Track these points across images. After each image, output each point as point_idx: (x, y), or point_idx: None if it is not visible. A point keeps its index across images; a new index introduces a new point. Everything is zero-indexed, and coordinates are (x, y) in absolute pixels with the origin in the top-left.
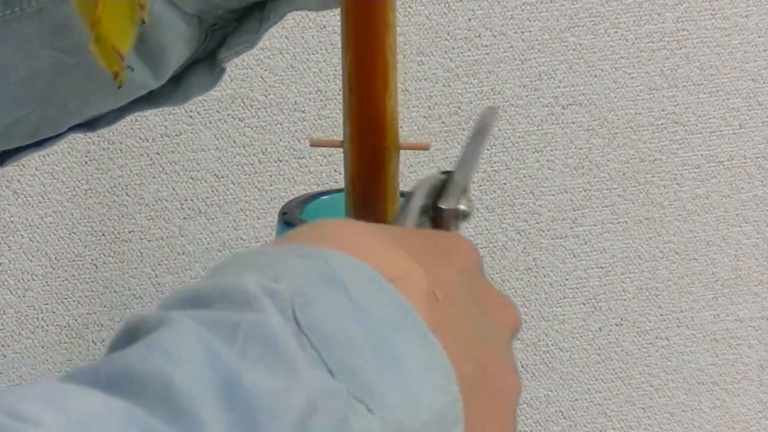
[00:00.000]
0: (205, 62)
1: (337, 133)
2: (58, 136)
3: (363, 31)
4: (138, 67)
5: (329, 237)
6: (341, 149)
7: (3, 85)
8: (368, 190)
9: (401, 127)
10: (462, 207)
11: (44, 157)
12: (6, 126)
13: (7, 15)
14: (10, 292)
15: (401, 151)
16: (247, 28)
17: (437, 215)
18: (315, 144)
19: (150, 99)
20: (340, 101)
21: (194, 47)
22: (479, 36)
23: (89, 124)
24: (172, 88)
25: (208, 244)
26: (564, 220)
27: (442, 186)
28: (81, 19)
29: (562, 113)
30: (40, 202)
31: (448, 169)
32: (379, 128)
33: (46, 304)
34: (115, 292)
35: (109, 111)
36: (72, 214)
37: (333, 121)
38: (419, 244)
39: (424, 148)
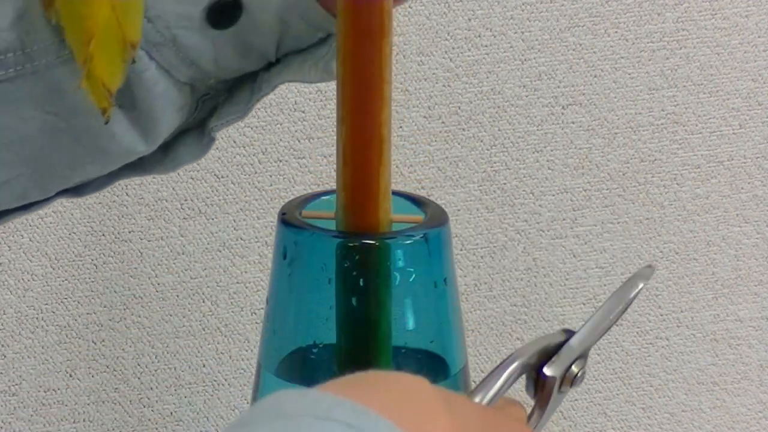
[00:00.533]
0: (194, 131)
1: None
2: (45, 200)
3: (359, 105)
4: (129, 133)
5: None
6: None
7: None
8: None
9: (401, 126)
10: (572, 372)
11: None
12: None
13: (0, 76)
14: (10, 292)
15: (402, 150)
16: (238, 98)
17: (539, 379)
18: (309, 216)
19: (138, 166)
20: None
21: (185, 116)
22: (479, 36)
23: (76, 190)
24: (162, 156)
25: (208, 244)
26: (564, 220)
27: (556, 347)
28: (74, 55)
29: (562, 113)
30: None
31: (570, 327)
32: (372, 203)
33: (46, 304)
34: (115, 292)
35: (97, 177)
36: (72, 214)
37: (333, 121)
38: (477, 428)
39: (418, 222)
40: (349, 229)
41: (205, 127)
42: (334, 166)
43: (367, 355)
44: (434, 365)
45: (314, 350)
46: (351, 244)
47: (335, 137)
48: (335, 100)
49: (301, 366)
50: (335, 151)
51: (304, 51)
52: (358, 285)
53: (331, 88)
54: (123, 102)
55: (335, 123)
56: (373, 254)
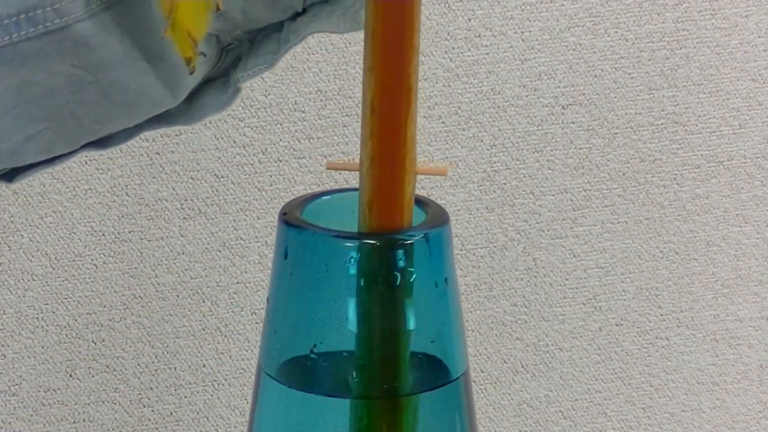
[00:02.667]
0: (218, 81)
1: (337, 133)
2: (70, 153)
3: (388, 54)
4: (156, 86)
5: None
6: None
7: (19, 103)
8: (385, 214)
9: None
10: None
11: None
12: (19, 143)
13: (30, 33)
14: (10, 292)
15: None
16: (264, 49)
17: None
18: (333, 167)
19: (163, 118)
20: (341, 101)
21: (210, 66)
22: (479, 36)
23: (101, 142)
24: (186, 107)
25: (208, 244)
26: (564, 220)
27: None
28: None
29: (562, 113)
30: (40, 202)
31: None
32: (399, 151)
33: (46, 304)
34: (115, 292)
35: (122, 129)
36: (72, 214)
37: (333, 121)
38: None
39: (442, 173)
40: (374, 182)
41: (230, 77)
42: None
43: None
44: (435, 369)
45: (314, 352)
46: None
47: (334, 134)
48: (334, 101)
49: (302, 368)
50: (361, 102)
51: (331, 0)
52: (359, 285)
53: (331, 88)
54: (151, 55)
55: (335, 123)
56: (373, 254)
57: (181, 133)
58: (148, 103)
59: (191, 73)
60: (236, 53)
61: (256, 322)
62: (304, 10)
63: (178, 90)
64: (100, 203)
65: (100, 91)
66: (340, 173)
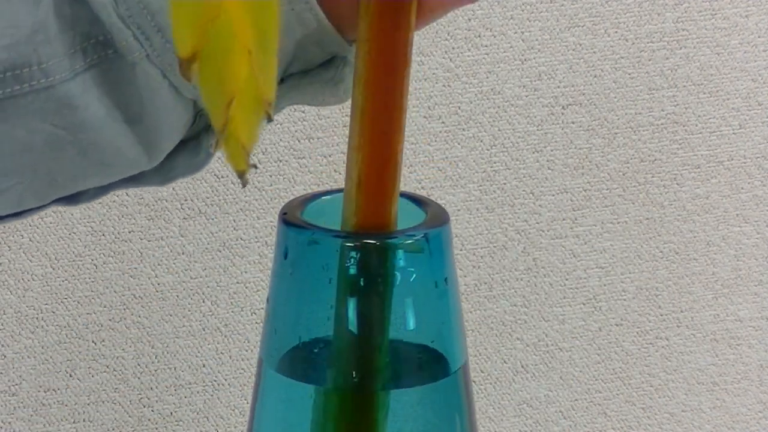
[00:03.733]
0: (191, 143)
1: (337, 133)
2: (39, 208)
3: (379, 134)
4: (134, 149)
5: None
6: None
7: None
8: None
9: None
10: None
11: None
12: None
13: (15, 90)
14: (10, 292)
15: (402, 151)
16: None
17: None
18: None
19: (136, 178)
20: None
21: (186, 130)
22: (479, 36)
23: (71, 198)
24: (158, 168)
25: (208, 244)
26: (564, 220)
27: None
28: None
29: (562, 113)
30: None
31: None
32: (387, 205)
33: (46, 304)
34: (115, 292)
35: (94, 187)
36: (72, 214)
37: (333, 121)
38: None
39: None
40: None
41: (202, 141)
42: (335, 166)
43: (364, 355)
44: (434, 362)
45: (315, 349)
46: (352, 244)
47: (334, 134)
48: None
49: (303, 363)
50: (344, 176)
51: (310, 73)
52: (358, 285)
53: None
54: (131, 117)
55: (335, 123)
56: (374, 254)
57: None
58: (125, 164)
59: (243, 186)
60: (208, 118)
61: (256, 322)
62: (282, 80)
63: (155, 153)
64: (100, 203)
65: (77, 151)
66: (340, 173)
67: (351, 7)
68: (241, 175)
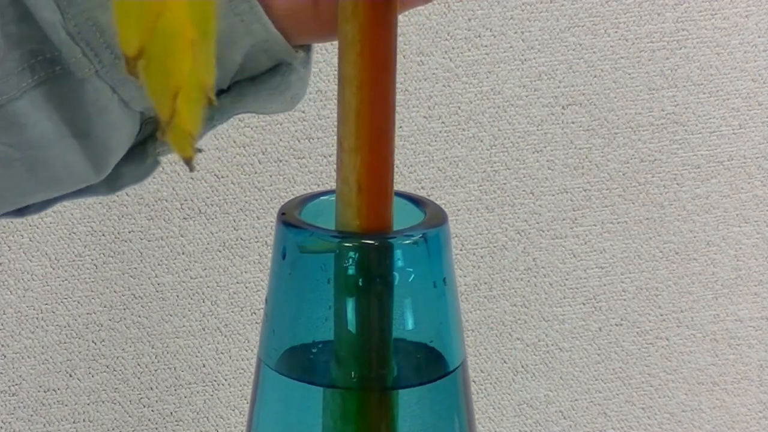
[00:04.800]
0: (136, 152)
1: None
2: None
3: (377, 135)
4: (82, 163)
5: None
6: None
7: None
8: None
9: (401, 126)
10: None
11: None
12: None
13: None
14: (10, 292)
15: (402, 150)
16: None
17: None
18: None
19: (81, 190)
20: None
21: (132, 141)
22: (479, 36)
23: (19, 211)
24: (105, 178)
25: (208, 244)
26: (564, 220)
27: None
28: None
29: (562, 113)
30: None
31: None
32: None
33: (46, 304)
34: (115, 292)
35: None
36: (72, 214)
37: (333, 121)
38: None
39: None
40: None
41: (147, 148)
42: (334, 166)
43: (363, 356)
44: (433, 362)
45: (314, 349)
46: (350, 244)
47: (334, 134)
48: (334, 102)
49: (302, 363)
50: (335, 180)
51: (256, 80)
52: (357, 285)
53: (331, 88)
54: (79, 133)
55: (335, 123)
56: (373, 254)
57: None
58: (73, 179)
59: (191, 170)
60: (153, 126)
61: (256, 322)
62: (229, 88)
63: (103, 167)
64: (100, 203)
65: (26, 168)
66: None
67: (297, 14)
68: (188, 161)
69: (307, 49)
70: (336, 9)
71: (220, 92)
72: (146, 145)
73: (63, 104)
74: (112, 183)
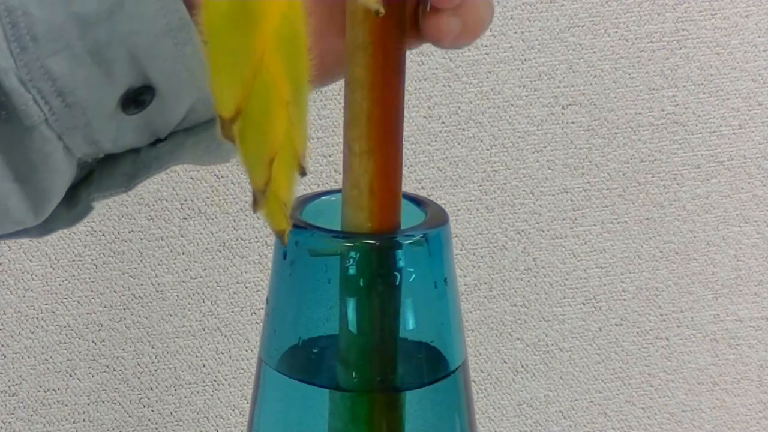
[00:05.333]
0: (67, 196)
1: (337, 133)
2: None
3: (387, 137)
4: (21, 207)
5: None
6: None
7: None
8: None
9: None
10: None
11: None
12: None
13: None
14: (10, 292)
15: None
16: (120, 170)
17: None
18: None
19: (16, 232)
20: (341, 101)
21: (68, 185)
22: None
23: None
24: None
25: (208, 244)
26: (564, 220)
27: None
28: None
29: (562, 113)
30: None
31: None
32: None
33: (46, 304)
34: (115, 292)
35: None
36: None
37: (333, 121)
38: None
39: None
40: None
41: (79, 193)
42: (335, 166)
43: (363, 356)
44: (434, 362)
45: (314, 349)
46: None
47: (334, 134)
48: (334, 102)
49: (302, 363)
50: (344, 183)
51: (193, 131)
52: (358, 285)
53: (331, 88)
54: (21, 177)
55: (335, 123)
56: (374, 254)
57: None
58: (11, 221)
59: (284, 245)
60: (86, 170)
61: (256, 322)
62: (166, 138)
63: (42, 211)
64: (100, 203)
65: None
66: (340, 173)
67: None
68: (282, 234)
69: None
70: None
71: (157, 141)
72: (78, 189)
73: (6, 149)
74: (45, 227)
